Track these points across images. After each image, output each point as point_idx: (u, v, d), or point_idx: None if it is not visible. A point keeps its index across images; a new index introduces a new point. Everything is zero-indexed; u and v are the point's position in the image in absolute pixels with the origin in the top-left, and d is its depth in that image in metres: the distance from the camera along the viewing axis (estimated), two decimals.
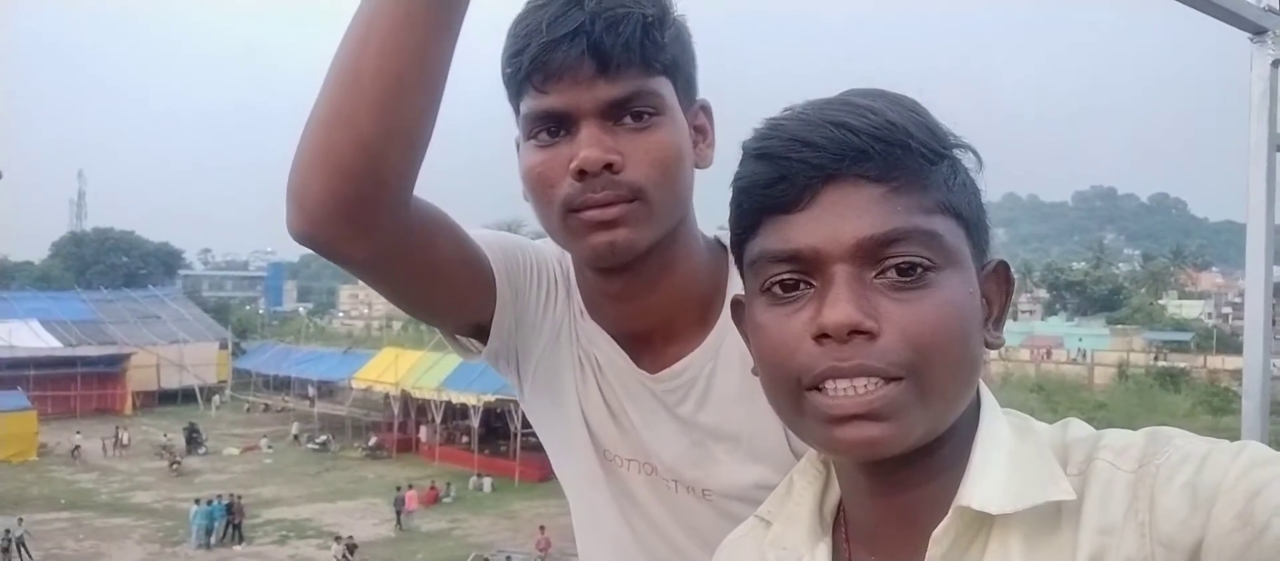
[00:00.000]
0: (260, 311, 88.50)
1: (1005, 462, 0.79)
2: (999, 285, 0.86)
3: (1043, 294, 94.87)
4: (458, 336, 1.29)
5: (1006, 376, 46.39)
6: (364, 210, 0.99)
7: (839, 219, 0.77)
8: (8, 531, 21.40)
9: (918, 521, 0.80)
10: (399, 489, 26.42)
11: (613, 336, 1.28)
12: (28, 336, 47.06)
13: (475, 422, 31.11)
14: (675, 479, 1.27)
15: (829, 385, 0.76)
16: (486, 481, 29.00)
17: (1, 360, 41.97)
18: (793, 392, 0.79)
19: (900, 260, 0.76)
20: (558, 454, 1.38)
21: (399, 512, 25.59)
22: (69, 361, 45.49)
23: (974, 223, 0.82)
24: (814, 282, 0.78)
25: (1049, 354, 54.24)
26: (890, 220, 0.76)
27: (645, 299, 1.23)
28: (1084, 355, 53.93)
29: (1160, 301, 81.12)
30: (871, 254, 0.76)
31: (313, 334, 65.61)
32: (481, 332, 1.26)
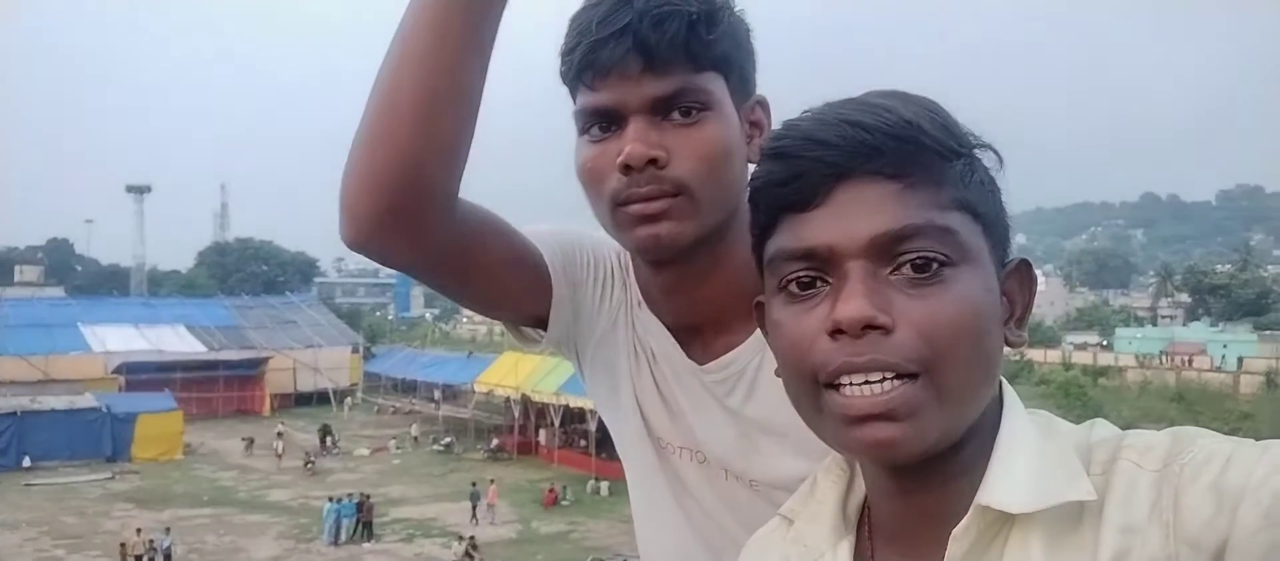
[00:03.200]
0: (390, 317, 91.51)
1: (1027, 462, 0.78)
2: (1021, 284, 0.85)
3: (1184, 298, 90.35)
4: (521, 327, 1.33)
5: (1145, 385, 44.32)
6: (409, 220, 1.04)
7: (853, 216, 0.77)
8: (152, 542, 22.08)
9: (941, 520, 0.80)
10: (474, 484, 27.00)
11: (667, 327, 1.30)
12: (174, 341, 49.66)
13: (593, 426, 31.38)
14: (724, 468, 1.29)
15: (844, 381, 0.76)
16: (604, 485, 29.20)
17: (150, 363, 44.38)
18: (810, 390, 0.79)
19: (915, 256, 0.76)
20: (618, 438, 1.42)
21: (475, 506, 26.06)
22: (212, 365, 47.69)
23: (992, 220, 0.82)
24: (830, 280, 0.78)
25: (1191, 361, 51.52)
26: (904, 216, 0.77)
27: (695, 291, 1.25)
28: (1228, 361, 50.99)
29: None
30: (886, 250, 0.77)
31: (438, 339, 67.41)
32: (543, 322, 1.31)
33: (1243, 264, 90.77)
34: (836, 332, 0.76)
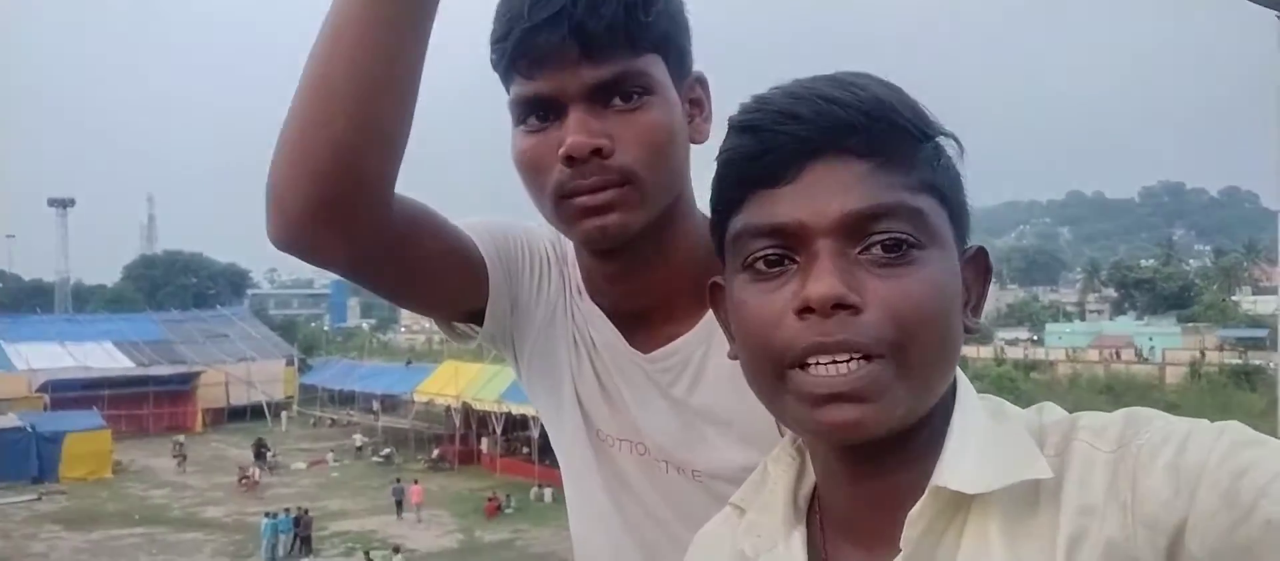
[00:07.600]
0: (325, 328, 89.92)
1: (981, 443, 0.78)
2: (978, 271, 0.85)
3: (1110, 293, 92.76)
4: (454, 323, 1.29)
5: (1074, 377, 45.38)
6: (344, 212, 0.99)
7: (824, 193, 0.76)
8: None
9: (894, 506, 0.79)
10: (398, 480, 27.26)
11: (609, 316, 1.27)
12: (102, 357, 48.36)
13: (535, 433, 31.19)
14: (665, 459, 1.25)
15: (811, 361, 0.75)
16: (547, 492, 29.04)
17: (77, 381, 43.20)
18: (774, 371, 0.77)
19: (886, 237, 0.76)
20: (555, 434, 1.38)
21: (400, 503, 26.44)
22: (141, 381, 46.58)
23: (956, 206, 0.81)
24: (798, 259, 0.77)
25: (1118, 354, 52.91)
26: (876, 195, 0.76)
27: (642, 279, 1.21)
28: (1154, 353, 52.49)
29: (1233, 298, 78.82)
30: (856, 229, 0.76)
31: (376, 349, 66.53)
32: (476, 316, 1.26)
33: (1166, 258, 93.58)
34: (805, 311, 0.75)
